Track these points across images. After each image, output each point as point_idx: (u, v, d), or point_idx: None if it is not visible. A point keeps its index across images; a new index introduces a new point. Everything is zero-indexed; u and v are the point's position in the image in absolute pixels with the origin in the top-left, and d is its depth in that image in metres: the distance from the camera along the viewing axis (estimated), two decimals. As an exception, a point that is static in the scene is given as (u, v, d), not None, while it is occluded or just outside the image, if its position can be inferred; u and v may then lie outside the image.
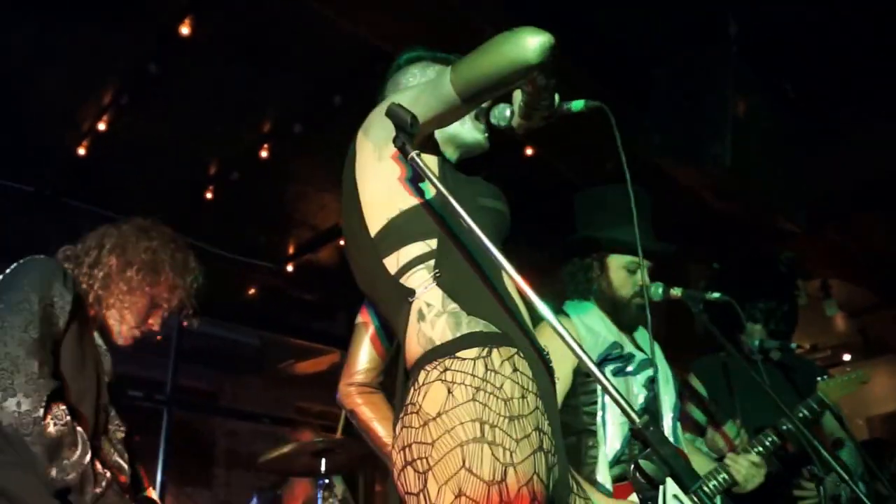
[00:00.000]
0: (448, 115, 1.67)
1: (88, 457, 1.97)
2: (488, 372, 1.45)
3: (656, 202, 2.76)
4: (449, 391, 1.43)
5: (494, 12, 3.47)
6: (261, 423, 8.37)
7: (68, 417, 1.97)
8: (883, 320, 7.21)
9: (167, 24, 3.84)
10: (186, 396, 7.31)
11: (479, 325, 1.52)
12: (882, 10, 3.57)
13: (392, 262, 1.66)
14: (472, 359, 1.46)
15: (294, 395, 8.92)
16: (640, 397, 2.52)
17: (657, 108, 3.77)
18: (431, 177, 1.46)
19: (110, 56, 4.10)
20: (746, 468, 2.60)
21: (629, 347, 2.61)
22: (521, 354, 1.52)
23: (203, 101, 4.47)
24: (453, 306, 1.54)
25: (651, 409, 2.56)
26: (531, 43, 1.47)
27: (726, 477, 2.59)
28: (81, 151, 4.69)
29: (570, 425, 2.47)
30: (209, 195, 5.29)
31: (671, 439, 2.60)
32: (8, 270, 2.13)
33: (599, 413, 2.46)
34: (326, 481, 4.11)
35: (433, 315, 1.55)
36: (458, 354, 1.47)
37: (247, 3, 3.79)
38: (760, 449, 2.69)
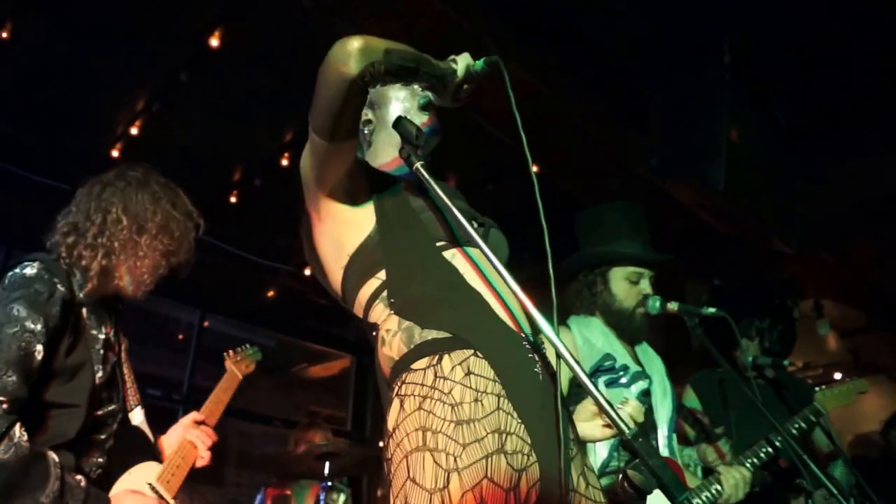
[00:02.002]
0: (333, 163, 1.64)
1: (58, 484, 1.84)
2: (437, 379, 1.44)
3: (654, 219, 2.84)
4: (401, 404, 1.46)
5: (505, 35, 3.55)
6: (273, 425, 8.43)
7: (27, 444, 1.83)
8: (873, 341, 7.22)
9: (198, 35, 3.99)
10: (202, 396, 7.37)
11: (431, 335, 1.52)
12: (875, 41, 3.65)
13: (358, 308, 1.70)
14: (422, 368, 1.47)
15: (305, 398, 8.86)
16: None
17: (655, 130, 3.85)
18: (436, 188, 1.51)
19: (144, 64, 4.25)
20: (736, 479, 2.59)
21: (624, 359, 2.63)
22: (480, 354, 1.48)
23: (229, 109, 4.60)
24: (407, 324, 1.55)
25: (644, 421, 2.63)
26: (341, 59, 1.49)
27: (718, 488, 2.58)
28: (115, 153, 4.84)
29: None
30: (233, 199, 5.40)
31: (666, 451, 2.66)
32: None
33: None
34: (330, 484, 4.11)
35: (390, 336, 1.57)
36: (412, 366, 1.49)
37: (273, 17, 3.91)
38: (755, 460, 2.69)
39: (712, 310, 2.61)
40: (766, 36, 3.68)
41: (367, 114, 2.00)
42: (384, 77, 1.56)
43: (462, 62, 1.68)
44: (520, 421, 1.42)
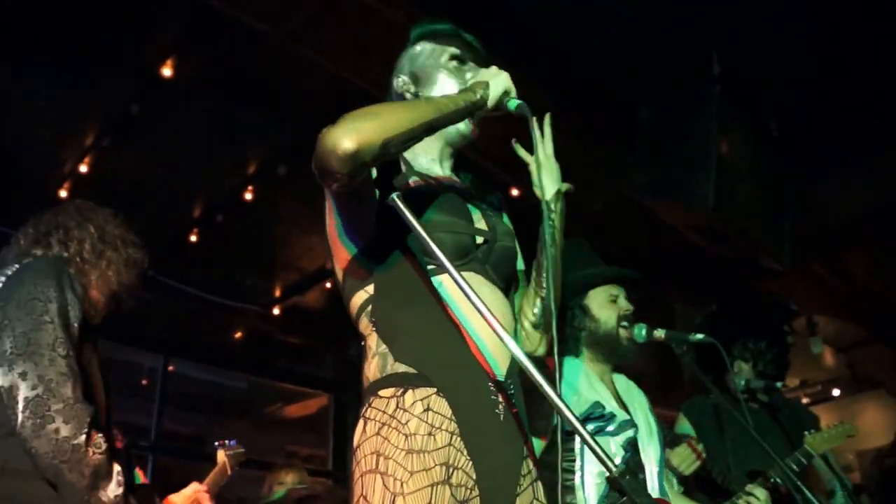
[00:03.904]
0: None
1: (122, 489, 1.91)
2: (398, 410, 1.53)
3: (640, 240, 2.75)
4: (364, 426, 1.57)
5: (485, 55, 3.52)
6: (248, 468, 8.21)
7: (106, 446, 1.90)
8: (870, 355, 7.31)
9: (149, 65, 3.84)
10: (172, 442, 7.20)
11: (400, 367, 1.59)
12: (864, 50, 3.64)
13: (351, 311, 1.74)
14: (387, 397, 1.56)
15: (282, 438, 8.84)
16: (616, 458, 2.47)
17: (642, 147, 3.80)
18: (414, 223, 1.45)
19: (92, 97, 4.11)
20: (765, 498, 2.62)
21: (611, 406, 2.58)
22: (442, 394, 1.55)
23: (186, 142, 4.46)
24: (383, 348, 1.62)
25: (630, 467, 2.52)
26: (332, 161, 1.40)
27: None
28: (63, 193, 4.66)
29: (547, 481, 2.44)
30: (193, 238, 5.26)
31: (657, 491, 2.60)
32: (10, 273, 2.01)
33: (578, 474, 2.43)
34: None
35: (370, 356, 1.65)
36: (380, 393, 1.58)
37: (229, 45, 3.79)
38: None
39: (700, 336, 2.61)
40: (755, 46, 3.64)
41: (408, 86, 1.92)
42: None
43: (497, 87, 1.67)
44: (468, 458, 1.53)
